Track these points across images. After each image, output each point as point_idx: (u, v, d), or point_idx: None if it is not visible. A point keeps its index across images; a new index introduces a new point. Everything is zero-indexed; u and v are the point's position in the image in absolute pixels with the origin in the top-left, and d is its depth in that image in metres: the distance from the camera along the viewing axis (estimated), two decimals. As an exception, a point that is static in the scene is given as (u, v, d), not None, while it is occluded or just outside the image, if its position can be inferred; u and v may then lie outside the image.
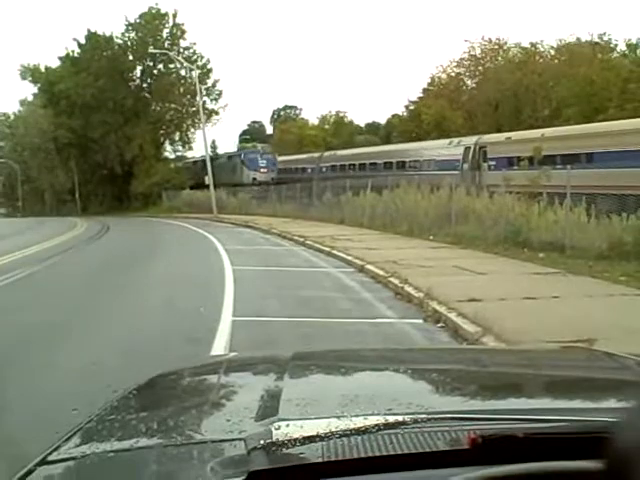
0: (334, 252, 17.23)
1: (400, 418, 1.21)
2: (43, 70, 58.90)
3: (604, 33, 45.12)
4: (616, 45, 43.90)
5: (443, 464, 1.09)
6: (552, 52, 47.97)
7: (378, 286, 12.31)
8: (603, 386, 1.81)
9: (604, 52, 43.39)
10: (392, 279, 12.08)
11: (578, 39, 45.99)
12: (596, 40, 44.66)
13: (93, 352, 7.50)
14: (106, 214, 49.60)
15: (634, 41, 40.17)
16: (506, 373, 2.05)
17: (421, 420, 1.22)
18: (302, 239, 21.28)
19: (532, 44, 48.43)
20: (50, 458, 1.33)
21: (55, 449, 1.37)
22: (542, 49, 48.37)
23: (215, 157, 55.51)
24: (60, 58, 57.42)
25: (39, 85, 58.71)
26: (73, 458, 1.31)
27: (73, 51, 56.29)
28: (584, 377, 1.96)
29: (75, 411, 2.97)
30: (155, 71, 57.55)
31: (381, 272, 13.01)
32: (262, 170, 46.45)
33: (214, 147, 76.74)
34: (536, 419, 1.23)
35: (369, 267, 13.90)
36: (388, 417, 1.21)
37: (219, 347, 7.52)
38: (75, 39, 56.20)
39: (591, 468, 1.00)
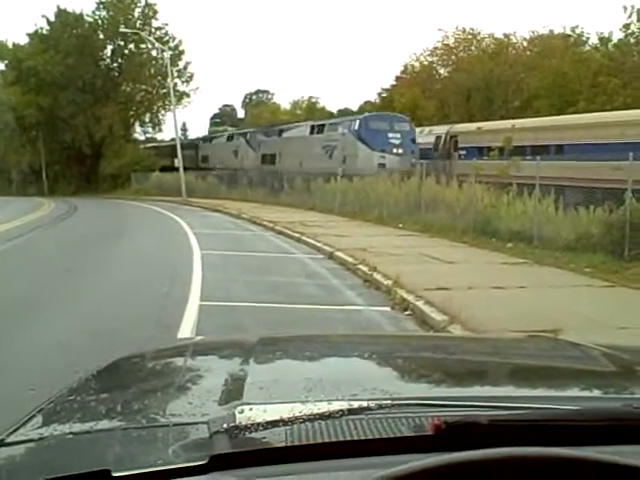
0: (304, 238, 17.22)
1: (364, 404, 1.21)
2: (11, 47, 57.83)
3: (576, 26, 45.51)
4: (588, 38, 44.31)
5: (406, 450, 1.09)
6: (525, 43, 48.27)
7: (347, 273, 12.34)
8: (567, 375, 1.83)
9: (576, 45, 43.73)
10: (361, 266, 12.12)
11: (551, 31, 46.33)
12: (568, 33, 45.03)
13: (55, 334, 7.44)
14: (74, 195, 48.94)
15: (606, 35, 40.50)
16: (471, 361, 2.06)
17: (385, 406, 1.21)
18: (272, 224, 21.24)
19: (505, 35, 48.72)
20: (8, 440, 1.30)
21: (14, 431, 1.35)
22: (515, 40, 48.68)
23: (272, 129, 40.89)
24: (29, 35, 56.53)
25: (6, 62, 57.64)
26: (32, 440, 1.29)
27: (42, 28, 55.38)
28: (548, 366, 1.98)
29: (32, 391, 2.93)
30: (126, 51, 56.78)
31: (350, 259, 13.04)
32: (395, 150, 29.43)
33: (184, 130, 76.26)
34: (500, 406, 1.23)
35: (338, 254, 13.91)
36: (352, 402, 1.21)
37: (186, 331, 7.50)
38: (44, 16, 55.32)
39: (552, 454, 1.01)
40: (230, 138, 45.94)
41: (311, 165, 30.89)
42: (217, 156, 44.96)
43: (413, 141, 30.37)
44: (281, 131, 38.51)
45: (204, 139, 53.69)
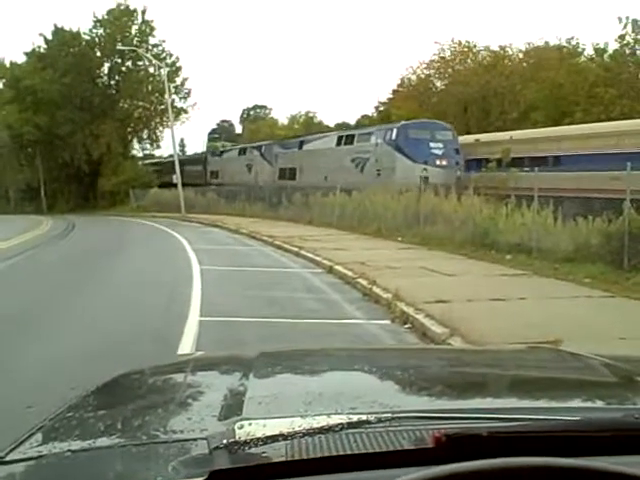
0: (303, 252, 17.22)
1: (364, 417, 1.20)
2: (8, 66, 58.04)
3: (572, 37, 45.72)
4: (584, 49, 44.48)
5: (407, 463, 1.09)
6: (520, 55, 48.44)
7: (346, 287, 12.32)
8: (568, 386, 1.82)
9: (571, 56, 43.89)
10: (360, 280, 12.10)
11: (546, 43, 46.54)
12: (564, 44, 45.23)
13: (55, 350, 7.41)
14: (72, 212, 48.96)
15: (602, 45, 40.67)
16: (472, 373, 2.05)
17: (385, 419, 1.21)
18: (271, 239, 21.23)
19: (501, 47, 48.90)
20: (8, 458, 1.29)
21: (13, 449, 1.34)
22: (511, 52, 48.88)
23: (291, 140, 37.96)
24: (26, 53, 56.72)
25: (4, 80, 57.84)
26: (32, 458, 1.28)
27: (39, 46, 55.59)
28: (549, 377, 1.98)
29: (30, 408, 2.91)
30: (123, 68, 56.92)
31: (349, 273, 13.03)
32: (438, 162, 26.45)
33: (182, 146, 76.44)
34: (501, 418, 1.23)
35: (338, 268, 13.90)
36: (352, 416, 1.20)
37: (186, 347, 7.48)
38: (42, 34, 55.53)
39: (552, 464, 1.00)
40: (242, 152, 43.00)
41: (338, 179, 26.97)
42: (228, 171, 42.61)
43: (457, 151, 27.18)
44: (302, 143, 35.32)
45: (213, 153, 50.71)
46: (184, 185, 40.60)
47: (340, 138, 31.45)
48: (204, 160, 48.70)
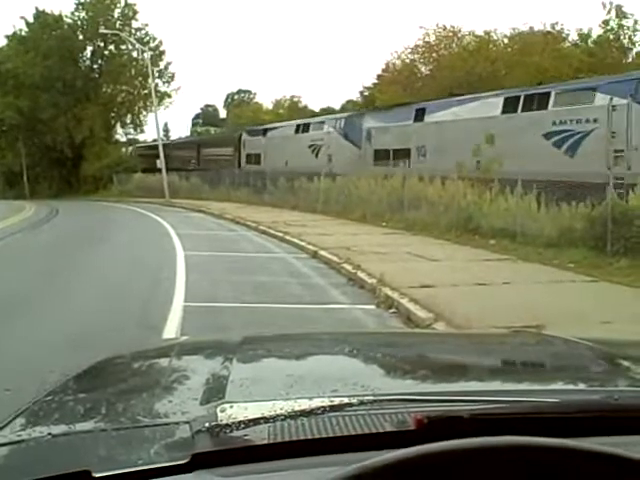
0: (287, 238, 17.21)
1: (346, 400, 1.21)
2: (-11, 49, 57.34)
3: (556, 22, 45.73)
4: (568, 35, 44.48)
5: (388, 445, 1.09)
6: (505, 41, 48.39)
7: (331, 272, 12.35)
8: (550, 369, 1.83)
9: (556, 41, 43.88)
10: (345, 265, 12.12)
11: (531, 28, 46.51)
12: (548, 29, 45.21)
13: (37, 336, 7.38)
14: (55, 197, 48.57)
15: (585, 31, 40.71)
16: (455, 356, 2.06)
17: (367, 402, 1.21)
18: (255, 224, 21.20)
19: (486, 32, 48.80)
20: None
21: None
22: (496, 37, 48.80)
23: (398, 109, 26.36)
24: (7, 37, 56.08)
25: (-16, 64, 57.18)
26: (13, 442, 1.27)
27: (21, 30, 54.98)
28: (532, 360, 1.99)
29: (8, 392, 2.90)
30: (106, 52, 56.40)
31: (334, 258, 13.04)
32: None
33: (166, 130, 76.01)
34: (482, 400, 1.23)
35: (322, 253, 13.91)
36: (333, 399, 1.21)
37: (170, 333, 7.48)
38: (23, 17, 54.88)
39: (529, 443, 1.00)
40: (303, 128, 32.52)
41: (505, 163, 18.18)
42: (278, 154, 33.32)
43: None
44: (421, 112, 23.72)
45: (251, 132, 39.04)
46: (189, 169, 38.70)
47: (508, 102, 19.75)
48: (237, 141, 39.41)
